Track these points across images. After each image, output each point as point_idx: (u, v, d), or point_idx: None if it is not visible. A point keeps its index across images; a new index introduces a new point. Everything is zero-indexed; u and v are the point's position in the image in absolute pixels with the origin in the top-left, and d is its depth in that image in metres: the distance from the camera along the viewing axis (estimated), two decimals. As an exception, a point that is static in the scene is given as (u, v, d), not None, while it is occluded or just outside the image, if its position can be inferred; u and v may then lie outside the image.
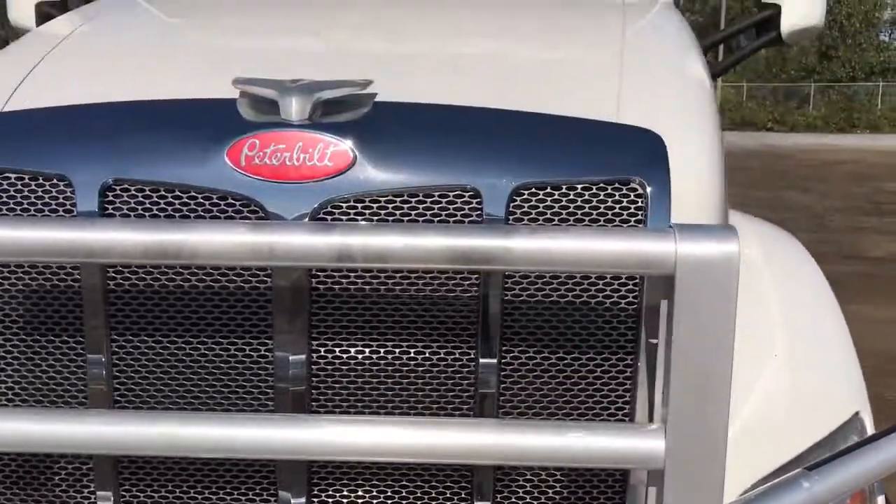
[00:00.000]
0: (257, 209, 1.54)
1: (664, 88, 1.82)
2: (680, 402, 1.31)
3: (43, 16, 2.99)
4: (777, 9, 2.89)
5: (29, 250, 1.31)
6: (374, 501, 1.63)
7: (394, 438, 1.42)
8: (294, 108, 1.54)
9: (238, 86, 1.58)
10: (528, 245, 1.28)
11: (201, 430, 1.42)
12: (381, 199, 1.55)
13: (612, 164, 1.56)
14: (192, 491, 1.64)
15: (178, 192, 1.56)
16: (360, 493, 1.63)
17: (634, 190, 1.55)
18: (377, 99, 1.59)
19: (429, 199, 1.54)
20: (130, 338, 1.60)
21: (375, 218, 1.55)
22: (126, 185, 1.57)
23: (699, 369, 1.29)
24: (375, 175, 1.54)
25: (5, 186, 1.59)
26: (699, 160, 1.66)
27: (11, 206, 1.59)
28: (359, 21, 2.17)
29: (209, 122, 1.58)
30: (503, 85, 1.76)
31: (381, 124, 1.57)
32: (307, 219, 1.53)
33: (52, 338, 1.60)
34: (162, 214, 1.56)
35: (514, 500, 1.63)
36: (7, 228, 1.31)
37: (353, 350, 1.58)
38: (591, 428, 1.40)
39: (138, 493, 1.65)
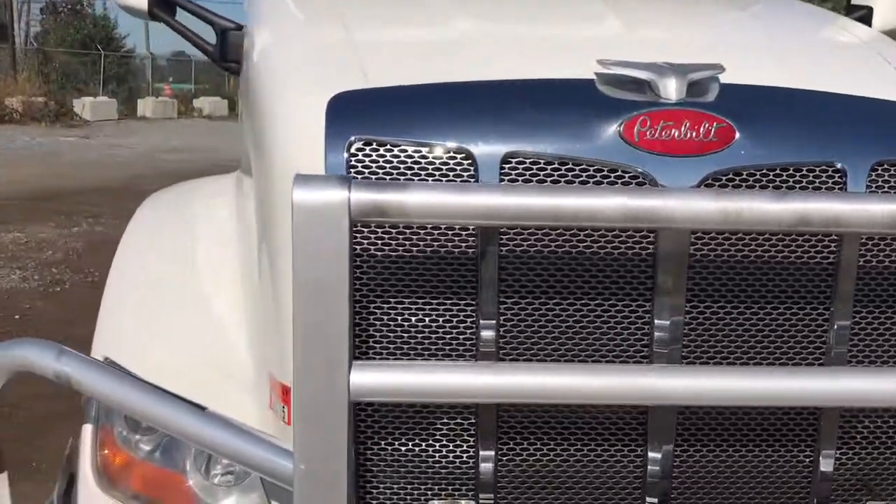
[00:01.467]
0: (645, 181, 1.68)
1: None
2: None
3: None
4: (869, 10, 3.15)
5: (534, 215, 1.43)
6: (737, 443, 1.78)
7: (771, 384, 1.59)
8: (673, 88, 1.68)
9: (612, 67, 1.71)
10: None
11: (596, 380, 1.56)
12: (756, 172, 1.70)
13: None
14: (565, 443, 1.76)
15: (571, 165, 1.68)
16: (724, 435, 1.78)
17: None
18: (725, 81, 1.74)
19: (798, 174, 1.71)
20: (518, 300, 1.71)
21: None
22: (521, 158, 1.68)
23: None
24: (752, 150, 1.69)
25: (402, 158, 1.68)
26: None
27: (409, 177, 1.68)
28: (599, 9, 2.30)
29: (597, 100, 1.70)
30: (808, 68, 1.95)
31: (755, 105, 1.73)
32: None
33: (446, 300, 1.70)
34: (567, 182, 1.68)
35: (852, 444, 1.81)
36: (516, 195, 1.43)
37: (721, 311, 1.73)
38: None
39: (514, 447, 1.76)
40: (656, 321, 1.72)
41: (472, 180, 1.68)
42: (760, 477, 1.80)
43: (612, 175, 1.69)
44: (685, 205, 1.44)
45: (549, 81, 1.75)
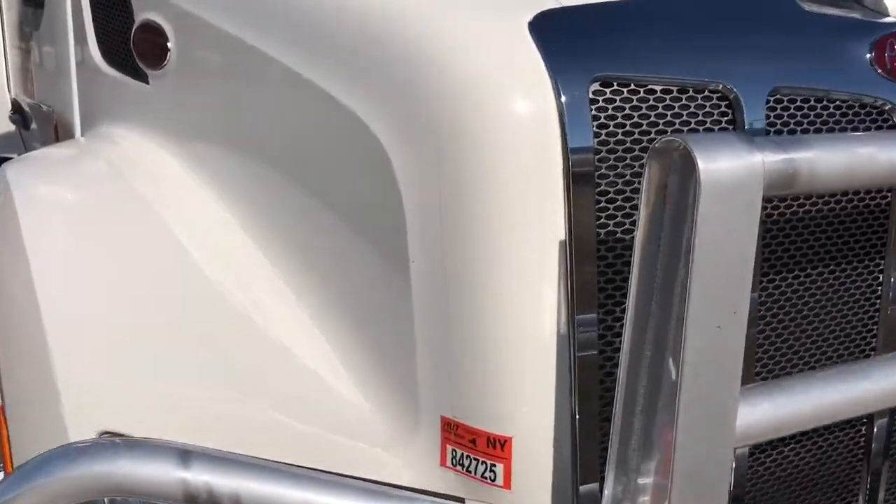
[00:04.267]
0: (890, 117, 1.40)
1: None
2: None
3: None
4: None
5: None
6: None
7: None
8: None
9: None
10: None
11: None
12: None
13: None
14: (805, 440, 1.46)
15: (825, 102, 1.34)
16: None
17: None
18: None
19: None
20: (780, 271, 1.35)
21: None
22: (779, 96, 1.30)
23: None
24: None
25: (652, 102, 1.22)
26: None
27: (661, 126, 1.22)
28: None
29: (845, 22, 1.37)
30: None
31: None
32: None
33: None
34: (824, 127, 1.33)
35: None
36: None
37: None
38: None
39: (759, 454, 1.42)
40: (893, 279, 1.47)
41: (731, 126, 1.27)
42: None
43: (863, 112, 1.38)
44: None
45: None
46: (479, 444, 1.26)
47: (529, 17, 1.21)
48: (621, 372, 1.05)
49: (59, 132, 2.49)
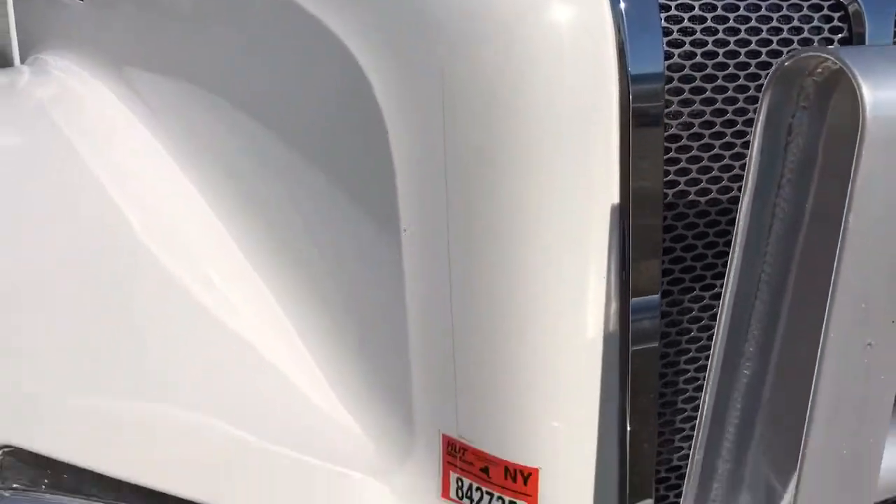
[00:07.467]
0: None
1: None
2: None
3: None
4: None
5: None
6: None
7: None
8: None
9: None
10: None
11: None
12: None
13: None
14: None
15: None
16: None
17: None
18: None
19: None
20: None
21: None
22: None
23: None
24: None
25: (744, 12, 0.87)
26: None
27: (751, 42, 0.88)
28: None
29: None
30: None
31: None
32: None
33: None
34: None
35: None
36: None
37: None
38: None
39: None
40: None
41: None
42: None
43: None
44: None
45: None
46: (493, 475, 0.94)
47: None
48: (707, 401, 0.73)
49: (-5, 59, 2.13)
